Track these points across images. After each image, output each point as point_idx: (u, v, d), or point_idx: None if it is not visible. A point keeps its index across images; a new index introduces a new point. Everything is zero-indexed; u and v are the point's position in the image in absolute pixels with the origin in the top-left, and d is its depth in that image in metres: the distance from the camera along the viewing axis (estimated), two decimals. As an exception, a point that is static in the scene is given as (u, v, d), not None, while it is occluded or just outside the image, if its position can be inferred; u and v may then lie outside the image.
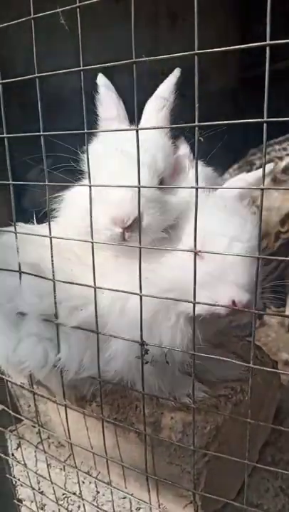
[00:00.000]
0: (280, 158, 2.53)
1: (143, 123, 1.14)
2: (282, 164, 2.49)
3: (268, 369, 0.78)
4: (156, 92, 1.16)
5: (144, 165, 0.99)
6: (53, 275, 0.96)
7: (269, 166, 1.71)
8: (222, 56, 4.71)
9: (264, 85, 0.69)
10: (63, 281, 0.96)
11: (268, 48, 0.67)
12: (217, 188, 1.00)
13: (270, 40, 0.64)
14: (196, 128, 0.74)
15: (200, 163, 1.14)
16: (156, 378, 1.06)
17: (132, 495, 1.19)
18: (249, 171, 2.68)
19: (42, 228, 1.17)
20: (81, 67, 0.80)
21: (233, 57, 4.76)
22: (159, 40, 4.47)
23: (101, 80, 1.18)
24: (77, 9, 0.78)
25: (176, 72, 1.14)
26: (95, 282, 0.90)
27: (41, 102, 0.87)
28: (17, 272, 1.04)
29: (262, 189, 0.73)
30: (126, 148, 1.01)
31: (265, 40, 0.65)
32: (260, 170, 1.07)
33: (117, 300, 0.99)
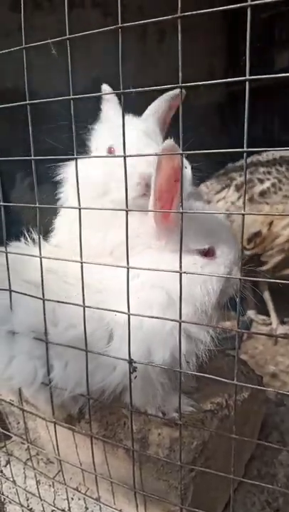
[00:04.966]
0: (261, 181, 2.52)
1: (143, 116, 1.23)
2: (261, 187, 2.49)
3: (252, 386, 0.81)
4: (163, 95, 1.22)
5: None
6: (43, 293, 0.99)
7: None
8: (209, 71, 4.82)
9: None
10: (53, 300, 0.98)
11: (247, 83, 0.71)
12: (200, 213, 1.04)
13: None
14: (182, 156, 0.78)
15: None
16: (147, 393, 1.08)
17: (120, 511, 1.20)
18: (229, 185, 2.69)
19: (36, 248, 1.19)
20: (71, 96, 0.83)
21: (220, 73, 4.88)
22: (148, 54, 4.55)
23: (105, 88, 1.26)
24: (67, 41, 0.82)
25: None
26: (84, 299, 0.93)
27: (33, 122, 0.89)
28: (7, 290, 1.06)
29: (243, 214, 0.77)
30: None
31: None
32: None
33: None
